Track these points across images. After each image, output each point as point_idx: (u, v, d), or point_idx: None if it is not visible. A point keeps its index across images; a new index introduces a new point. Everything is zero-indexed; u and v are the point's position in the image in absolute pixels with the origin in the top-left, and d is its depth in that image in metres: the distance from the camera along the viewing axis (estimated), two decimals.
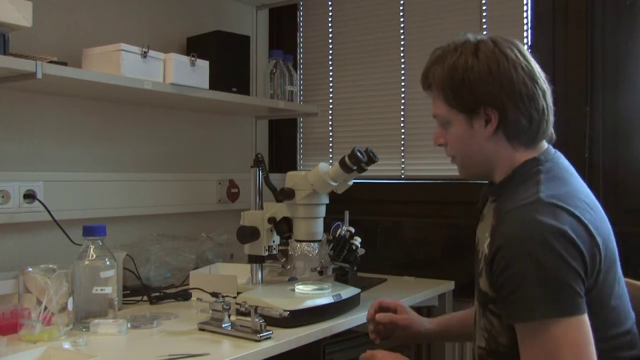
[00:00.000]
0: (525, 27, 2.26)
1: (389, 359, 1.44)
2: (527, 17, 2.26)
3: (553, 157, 1.30)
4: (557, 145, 2.17)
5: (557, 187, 1.21)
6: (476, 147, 1.30)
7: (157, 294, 1.91)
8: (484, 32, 2.33)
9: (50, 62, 1.67)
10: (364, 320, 1.77)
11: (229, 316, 1.53)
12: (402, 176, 2.51)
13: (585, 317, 1.11)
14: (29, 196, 1.83)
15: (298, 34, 2.84)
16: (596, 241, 1.15)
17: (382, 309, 1.64)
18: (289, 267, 2.12)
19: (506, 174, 1.30)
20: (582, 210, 1.17)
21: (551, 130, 1.32)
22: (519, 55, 1.27)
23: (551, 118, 1.31)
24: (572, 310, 1.10)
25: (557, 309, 1.09)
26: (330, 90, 2.75)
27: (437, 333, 1.65)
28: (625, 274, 1.48)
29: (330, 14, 2.74)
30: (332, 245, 1.93)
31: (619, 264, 1.26)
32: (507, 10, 2.30)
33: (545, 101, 1.28)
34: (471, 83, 1.25)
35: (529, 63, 1.27)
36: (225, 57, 2.28)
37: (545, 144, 1.33)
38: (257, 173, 1.91)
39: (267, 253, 1.87)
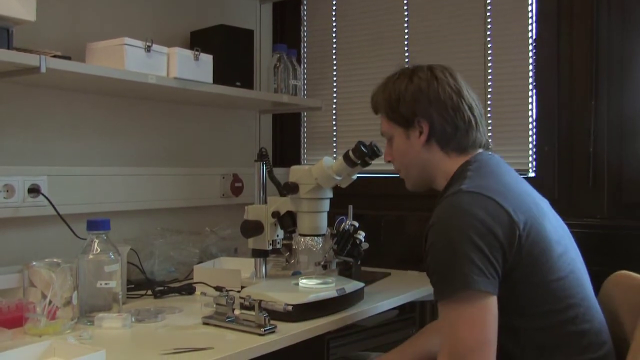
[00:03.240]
0: (530, 21, 2.25)
1: None
2: (531, 11, 2.25)
3: (483, 158, 1.45)
4: (561, 139, 2.18)
5: (479, 179, 1.35)
6: (414, 156, 1.49)
7: (161, 288, 1.91)
8: (489, 26, 2.32)
9: (54, 56, 1.67)
10: (368, 315, 1.77)
11: (233, 310, 1.53)
12: None
13: (489, 298, 1.22)
14: (33, 190, 1.83)
15: (302, 27, 2.83)
16: (514, 220, 1.26)
17: None
18: (292, 261, 2.11)
19: (446, 181, 1.45)
20: (500, 194, 1.29)
21: (485, 139, 1.49)
22: (449, 77, 1.46)
23: (481, 129, 1.47)
24: (473, 284, 1.21)
25: (461, 284, 1.22)
26: (334, 84, 2.74)
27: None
28: (628, 268, 1.49)
29: (334, 7, 2.73)
30: (336, 239, 1.92)
31: (565, 246, 1.36)
32: (512, 3, 2.29)
33: (472, 114, 1.45)
34: (405, 99, 1.46)
35: (457, 82, 1.46)
36: (229, 52, 2.27)
37: (479, 150, 1.48)
38: (261, 167, 1.90)
39: (270, 247, 1.87)
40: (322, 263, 1.91)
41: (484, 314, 1.22)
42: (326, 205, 1.80)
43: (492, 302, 1.23)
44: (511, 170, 1.47)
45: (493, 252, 1.23)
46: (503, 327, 1.25)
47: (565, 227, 1.44)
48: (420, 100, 1.44)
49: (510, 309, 1.27)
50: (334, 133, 2.75)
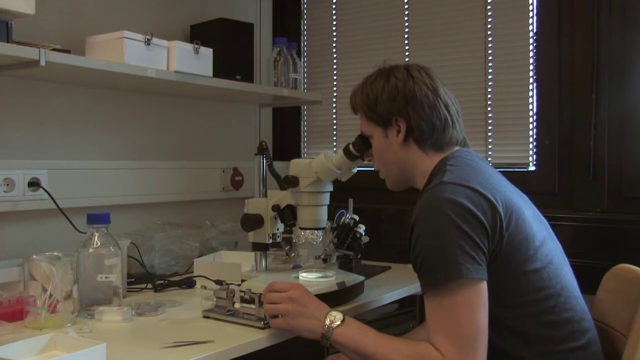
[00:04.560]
0: (530, 14, 2.25)
1: None
2: (532, 4, 2.25)
3: (460, 154, 1.47)
4: (562, 132, 2.18)
5: (459, 172, 1.37)
6: (393, 155, 1.52)
7: (162, 281, 1.92)
8: (489, 20, 2.32)
9: (54, 49, 1.67)
10: (368, 308, 1.77)
11: (233, 304, 1.53)
12: None
13: (482, 283, 1.24)
14: (34, 184, 1.83)
15: (302, 21, 2.82)
16: (497, 208, 1.28)
17: None
18: (293, 254, 2.12)
19: (425, 179, 1.47)
20: (481, 184, 1.31)
21: (462, 136, 1.52)
22: (425, 76, 1.49)
23: (457, 126, 1.50)
24: (467, 273, 1.22)
25: (455, 273, 1.23)
26: (334, 77, 2.74)
27: None
28: (628, 261, 1.49)
29: (334, 0, 2.72)
30: (336, 232, 1.92)
31: (544, 237, 1.37)
32: None
33: (449, 112, 1.48)
34: (383, 99, 1.49)
35: (433, 82, 1.49)
36: (229, 45, 2.27)
37: (456, 147, 1.51)
38: (261, 161, 1.90)
39: (271, 241, 1.86)
40: (322, 256, 1.91)
41: (479, 299, 1.24)
42: (326, 198, 1.80)
43: (484, 287, 1.25)
44: (488, 165, 1.50)
45: (480, 238, 1.25)
46: None
47: (544, 219, 1.47)
48: (397, 100, 1.47)
49: (490, 298, 1.28)
50: (334, 126, 2.75)
